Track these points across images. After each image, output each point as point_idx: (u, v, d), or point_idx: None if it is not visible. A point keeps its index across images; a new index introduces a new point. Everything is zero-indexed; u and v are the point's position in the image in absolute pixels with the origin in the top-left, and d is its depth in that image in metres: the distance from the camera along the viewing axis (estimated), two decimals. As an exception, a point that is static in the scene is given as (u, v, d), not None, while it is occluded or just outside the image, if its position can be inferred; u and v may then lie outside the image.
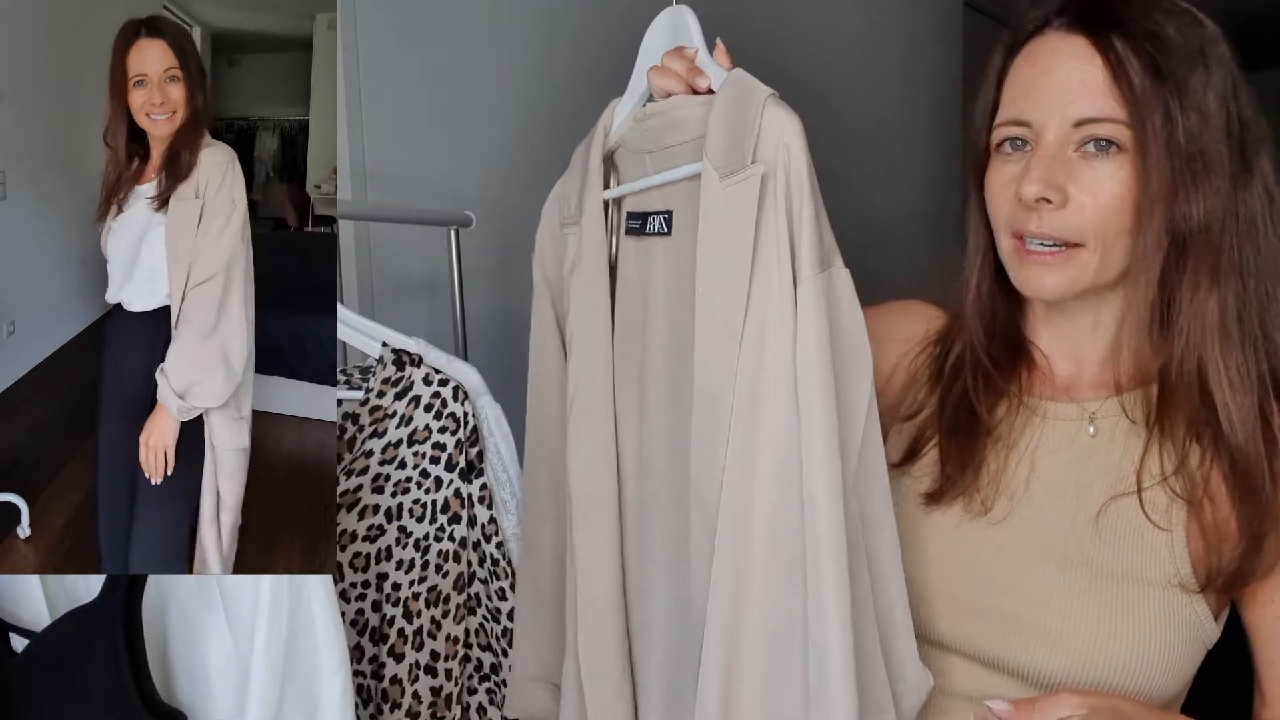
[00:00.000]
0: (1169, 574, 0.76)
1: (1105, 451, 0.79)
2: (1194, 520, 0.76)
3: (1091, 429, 0.80)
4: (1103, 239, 0.75)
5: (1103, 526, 0.78)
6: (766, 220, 0.72)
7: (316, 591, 0.76)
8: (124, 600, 0.69)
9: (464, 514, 1.05)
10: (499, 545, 1.05)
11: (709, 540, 0.77)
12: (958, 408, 0.84)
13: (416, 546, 1.04)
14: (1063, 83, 0.74)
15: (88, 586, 0.81)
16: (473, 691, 1.10)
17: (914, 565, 0.82)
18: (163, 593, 0.78)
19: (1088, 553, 0.78)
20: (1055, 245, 0.76)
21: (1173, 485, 0.76)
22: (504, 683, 1.10)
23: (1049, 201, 0.74)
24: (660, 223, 0.85)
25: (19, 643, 0.79)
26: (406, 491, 1.04)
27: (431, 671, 1.05)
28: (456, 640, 1.07)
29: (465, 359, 1.51)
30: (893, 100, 2.91)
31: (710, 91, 0.79)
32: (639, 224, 0.88)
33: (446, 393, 1.05)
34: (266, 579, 0.73)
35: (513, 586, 1.06)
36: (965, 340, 0.85)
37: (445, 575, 1.06)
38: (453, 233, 1.49)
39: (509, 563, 1.06)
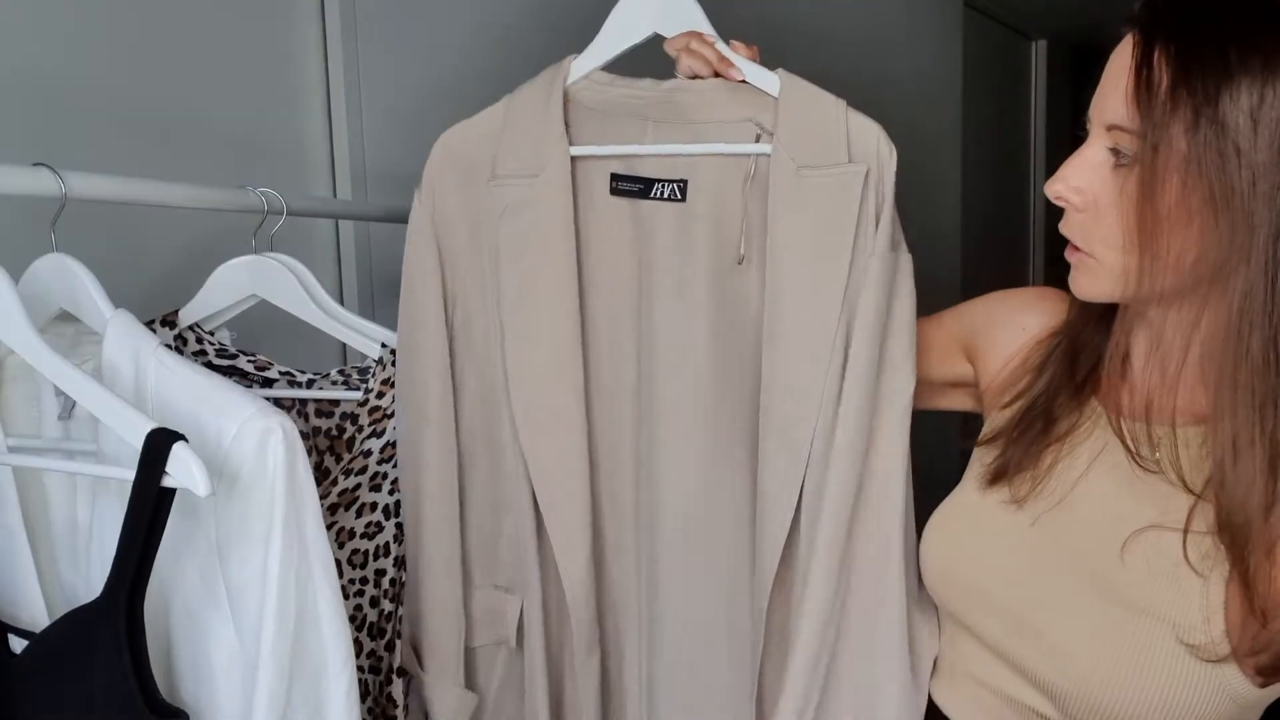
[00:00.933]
0: (1195, 621, 0.71)
1: (1163, 480, 0.74)
2: (1236, 583, 0.70)
3: (1157, 455, 0.75)
4: (1109, 254, 0.71)
5: (1135, 555, 0.74)
6: (865, 211, 0.87)
7: (322, 588, 0.76)
8: (126, 599, 0.69)
9: None
10: None
11: (782, 515, 0.89)
12: (1035, 401, 0.83)
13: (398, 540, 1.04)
14: (1109, 83, 0.70)
15: (88, 588, 0.81)
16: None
17: (965, 539, 0.86)
18: (165, 591, 0.78)
19: (1116, 577, 0.75)
20: (1081, 251, 0.75)
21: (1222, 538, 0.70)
22: None
23: (1069, 202, 0.73)
24: (674, 189, 0.91)
25: (18, 644, 0.79)
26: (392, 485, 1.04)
27: None
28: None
29: (465, 359, 1.52)
30: (893, 100, 2.91)
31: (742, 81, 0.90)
32: (638, 188, 0.92)
33: None
34: (274, 575, 0.73)
35: None
36: (1067, 340, 0.84)
37: None
38: (453, 233, 1.49)
39: None
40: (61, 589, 0.85)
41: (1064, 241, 0.78)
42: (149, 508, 0.69)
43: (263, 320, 1.06)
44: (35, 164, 0.81)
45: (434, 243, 0.95)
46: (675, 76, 0.94)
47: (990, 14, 3.86)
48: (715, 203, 0.92)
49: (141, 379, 0.78)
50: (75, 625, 0.72)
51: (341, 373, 1.09)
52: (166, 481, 0.69)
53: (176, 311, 1.03)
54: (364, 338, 1.08)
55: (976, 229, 3.41)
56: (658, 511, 0.97)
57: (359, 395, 1.04)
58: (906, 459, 0.90)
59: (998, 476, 0.83)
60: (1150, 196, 0.66)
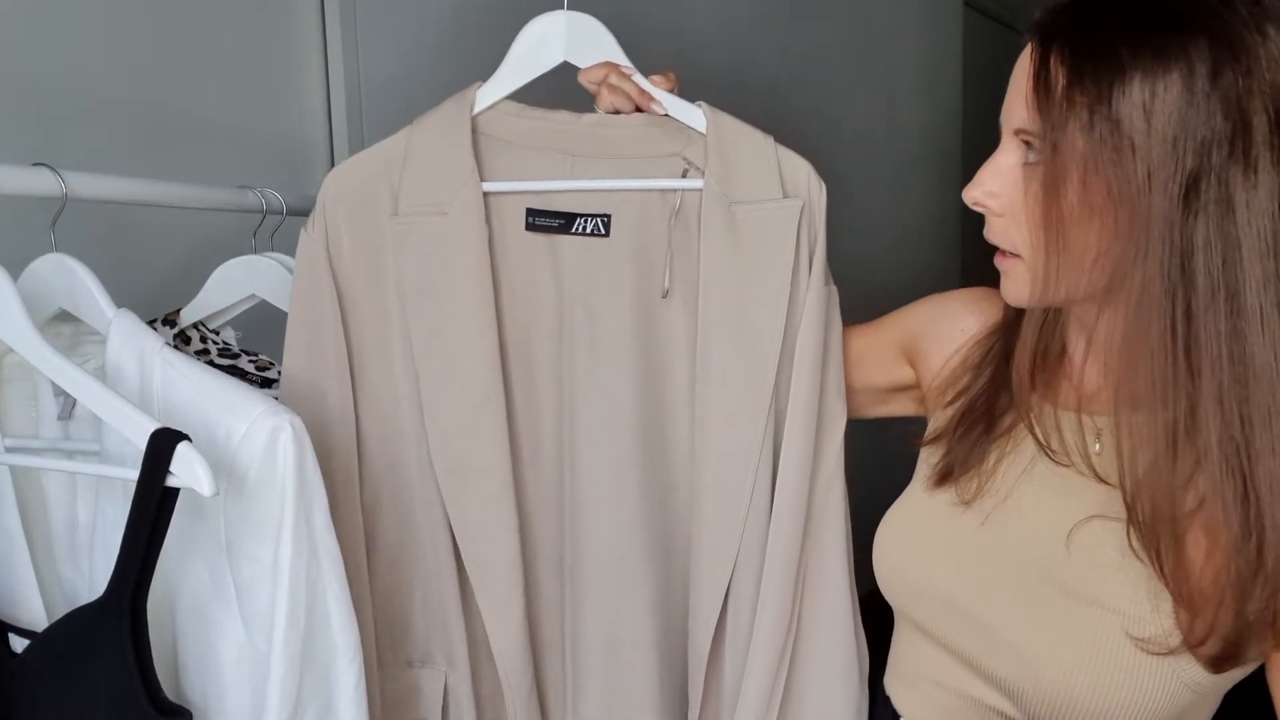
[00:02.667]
0: (1144, 611, 0.71)
1: (1105, 472, 0.74)
2: (1183, 568, 0.70)
3: (1097, 446, 0.76)
4: (1029, 254, 0.72)
5: (1080, 546, 0.74)
6: (802, 246, 0.88)
7: (331, 584, 0.76)
8: (130, 598, 0.69)
9: None
10: None
11: (726, 539, 0.89)
12: (977, 399, 0.84)
13: None
14: (1011, 88, 0.72)
15: (90, 588, 0.81)
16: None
17: (915, 540, 0.85)
18: (172, 589, 0.78)
19: (1063, 570, 0.75)
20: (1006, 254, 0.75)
21: None
22: None
23: (986, 207, 0.74)
24: (598, 224, 0.89)
25: (18, 643, 0.79)
26: None
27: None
28: None
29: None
30: (893, 100, 2.92)
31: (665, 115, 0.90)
32: (558, 223, 0.89)
33: None
34: (285, 572, 0.73)
35: None
36: (1004, 338, 0.84)
37: None
38: (453, 233, 1.49)
39: None
40: (61, 588, 0.85)
41: None
42: (153, 507, 0.69)
43: (266, 320, 1.06)
44: (35, 164, 0.81)
45: (331, 279, 0.88)
46: (595, 110, 0.93)
47: (990, 14, 3.86)
48: (640, 238, 0.90)
49: (147, 378, 0.78)
50: (78, 624, 0.72)
51: None
52: (170, 481, 0.69)
53: (178, 311, 1.03)
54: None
55: (976, 225, 3.41)
56: (585, 559, 0.94)
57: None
58: (844, 485, 0.92)
59: (944, 477, 0.83)
60: (1054, 195, 0.67)
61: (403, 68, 1.70)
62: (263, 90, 1.50)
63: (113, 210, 0.91)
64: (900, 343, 0.95)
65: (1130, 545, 0.71)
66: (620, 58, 0.91)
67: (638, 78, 0.89)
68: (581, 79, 0.92)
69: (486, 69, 1.78)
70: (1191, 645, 0.69)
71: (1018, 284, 0.74)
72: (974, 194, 0.74)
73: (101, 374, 0.79)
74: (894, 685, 0.91)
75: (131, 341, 0.79)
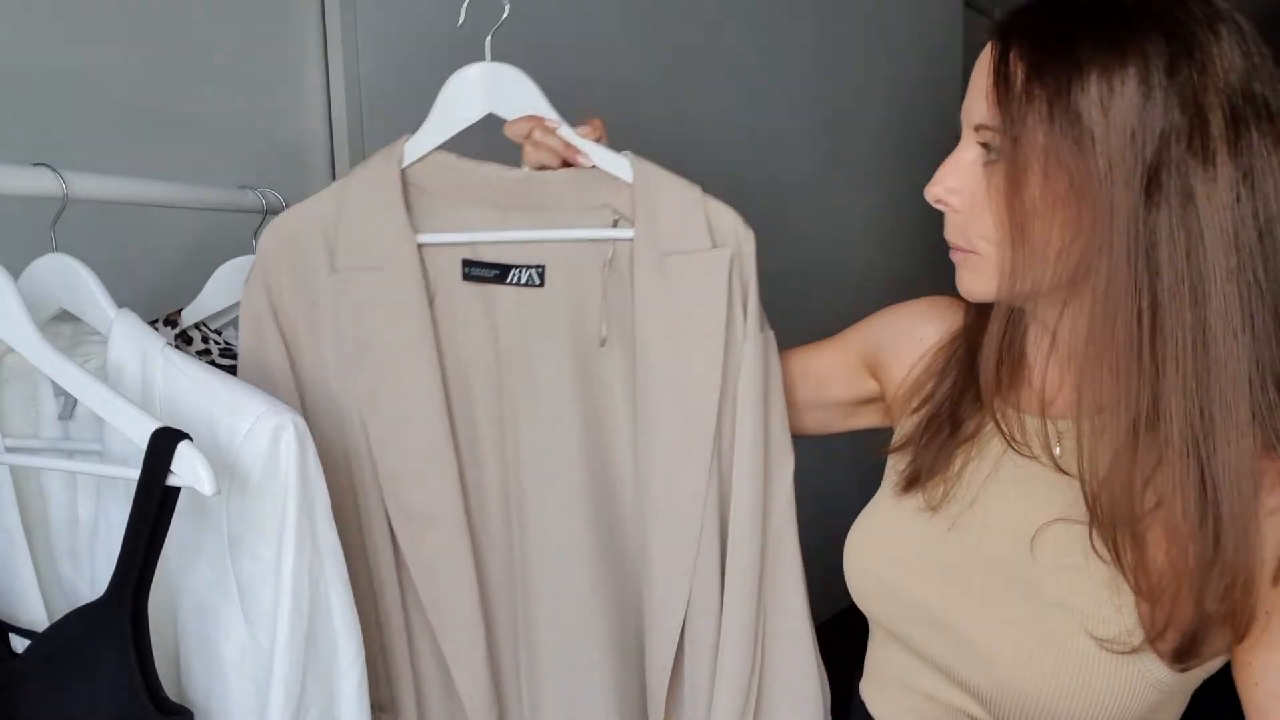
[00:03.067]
0: (1107, 612, 0.72)
1: (1063, 475, 0.75)
2: (1144, 565, 0.70)
3: (1059, 449, 0.76)
4: (989, 249, 0.72)
5: (1044, 549, 0.75)
6: (734, 295, 0.88)
7: (334, 583, 0.77)
8: (131, 598, 0.69)
9: None
10: None
11: (680, 578, 0.89)
12: (942, 405, 0.84)
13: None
14: (972, 86, 0.72)
15: (92, 586, 0.81)
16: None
17: (884, 547, 0.86)
18: (175, 588, 0.78)
19: (1028, 573, 0.76)
20: (964, 250, 0.76)
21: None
22: None
23: (948, 204, 0.75)
24: (532, 275, 0.91)
25: (19, 643, 0.79)
26: None
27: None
28: None
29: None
30: (893, 100, 2.92)
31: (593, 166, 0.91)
32: (494, 274, 0.91)
33: None
34: (288, 570, 0.73)
35: None
36: (966, 343, 0.85)
37: None
38: (453, 233, 1.49)
39: None
40: (61, 588, 0.85)
41: None
42: (154, 507, 0.69)
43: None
44: (35, 164, 0.81)
45: (277, 331, 0.88)
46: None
47: (990, 14, 3.86)
48: (575, 287, 0.91)
49: (149, 378, 0.78)
50: (79, 624, 0.72)
51: None
52: (171, 481, 0.69)
53: (179, 311, 1.03)
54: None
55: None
56: (536, 606, 0.94)
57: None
58: (795, 525, 0.92)
59: (911, 483, 0.84)
60: (1016, 189, 0.68)
61: (403, 68, 1.70)
62: (263, 90, 1.50)
63: (113, 210, 0.91)
64: (861, 355, 0.95)
65: (1093, 546, 0.71)
66: (545, 109, 0.92)
67: (564, 130, 0.90)
68: (506, 131, 0.93)
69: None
70: (1152, 640, 0.70)
71: (980, 279, 0.74)
72: (935, 191, 0.75)
73: (102, 374, 0.79)
74: (869, 691, 0.91)
75: (133, 341, 0.79)
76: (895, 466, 0.87)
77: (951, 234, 0.75)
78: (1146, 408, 0.67)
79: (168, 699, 0.70)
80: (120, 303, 0.82)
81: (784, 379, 0.95)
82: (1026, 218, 0.68)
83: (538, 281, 0.91)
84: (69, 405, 0.85)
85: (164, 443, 0.69)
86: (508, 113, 0.93)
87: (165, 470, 0.69)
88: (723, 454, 0.89)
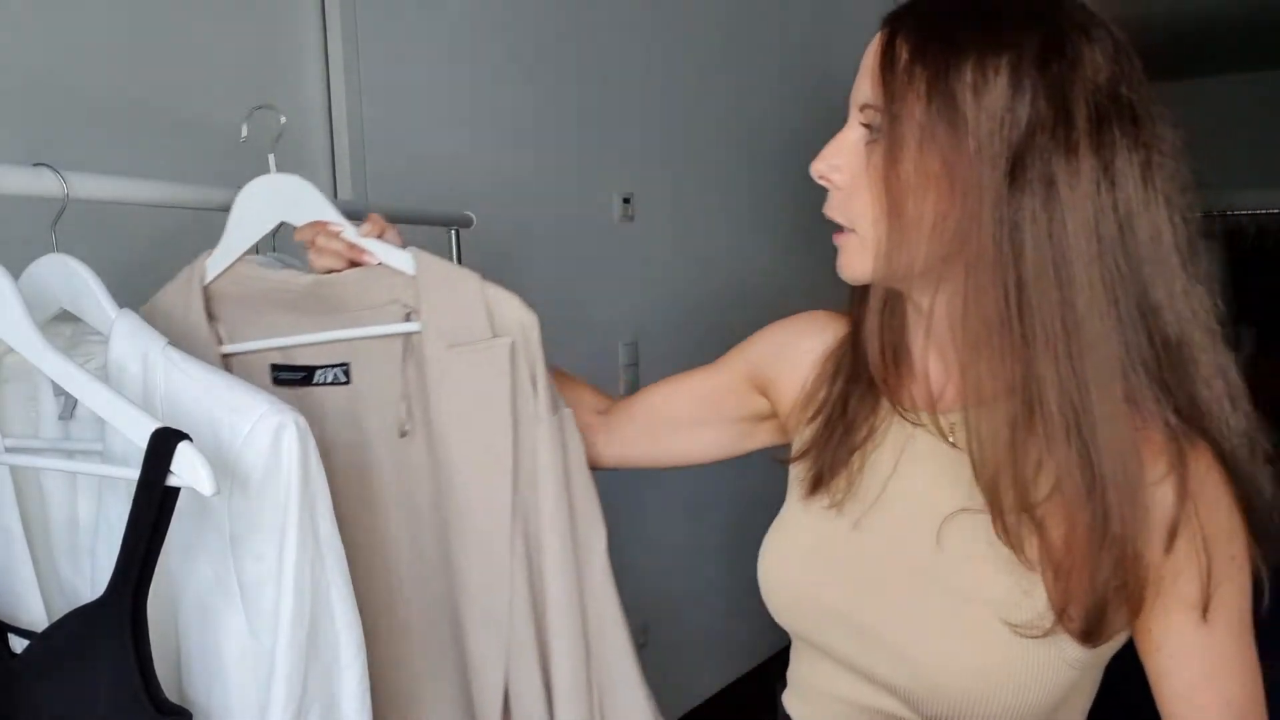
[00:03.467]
0: (1016, 597, 0.73)
1: (961, 464, 0.75)
2: (1045, 547, 0.72)
3: (952, 440, 0.77)
4: (866, 227, 0.74)
5: (950, 541, 0.76)
6: (520, 381, 0.89)
7: (335, 581, 0.77)
8: (130, 598, 0.69)
9: None
10: None
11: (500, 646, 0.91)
12: (835, 409, 0.85)
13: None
14: (861, 71, 0.75)
15: (92, 586, 0.81)
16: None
17: (793, 555, 0.86)
18: (175, 587, 0.78)
19: (937, 567, 0.77)
20: (844, 229, 0.77)
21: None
22: None
23: (830, 181, 0.76)
24: (337, 373, 0.94)
25: (18, 643, 0.79)
26: None
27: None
28: None
29: (465, 359, 1.52)
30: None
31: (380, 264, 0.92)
32: (300, 375, 0.94)
33: None
34: (290, 569, 0.74)
35: None
36: (852, 344, 0.86)
37: None
38: (453, 233, 1.49)
39: None
40: (60, 588, 0.85)
41: None
42: (153, 507, 0.69)
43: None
44: (36, 164, 0.81)
45: None
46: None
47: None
48: (378, 382, 0.94)
49: (150, 378, 0.78)
50: (79, 624, 0.72)
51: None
52: (171, 481, 0.69)
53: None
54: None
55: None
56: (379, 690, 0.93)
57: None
58: (617, 600, 0.93)
59: (815, 486, 0.85)
60: (893, 164, 0.70)
61: (402, 69, 1.70)
62: (263, 90, 1.50)
63: (112, 210, 0.91)
64: (748, 375, 0.96)
65: (996, 534, 0.73)
66: (330, 213, 0.93)
67: (348, 231, 0.91)
68: (296, 237, 0.94)
69: (485, 71, 1.77)
70: (1061, 621, 0.71)
71: (857, 258, 0.76)
72: (819, 168, 0.76)
73: (103, 374, 0.79)
74: (792, 703, 0.91)
75: (134, 341, 0.79)
76: (798, 475, 0.88)
77: (831, 210, 0.77)
78: (1021, 388, 0.69)
79: (167, 699, 0.70)
80: (120, 302, 0.82)
81: (680, 400, 0.98)
82: (902, 194, 0.70)
83: (344, 379, 0.94)
84: (69, 405, 0.85)
85: (163, 443, 0.69)
86: (296, 219, 0.94)
87: (165, 470, 0.69)
88: (529, 535, 0.91)
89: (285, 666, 0.73)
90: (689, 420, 0.99)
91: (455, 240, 1.49)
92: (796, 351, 0.92)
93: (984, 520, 0.73)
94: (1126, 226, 0.69)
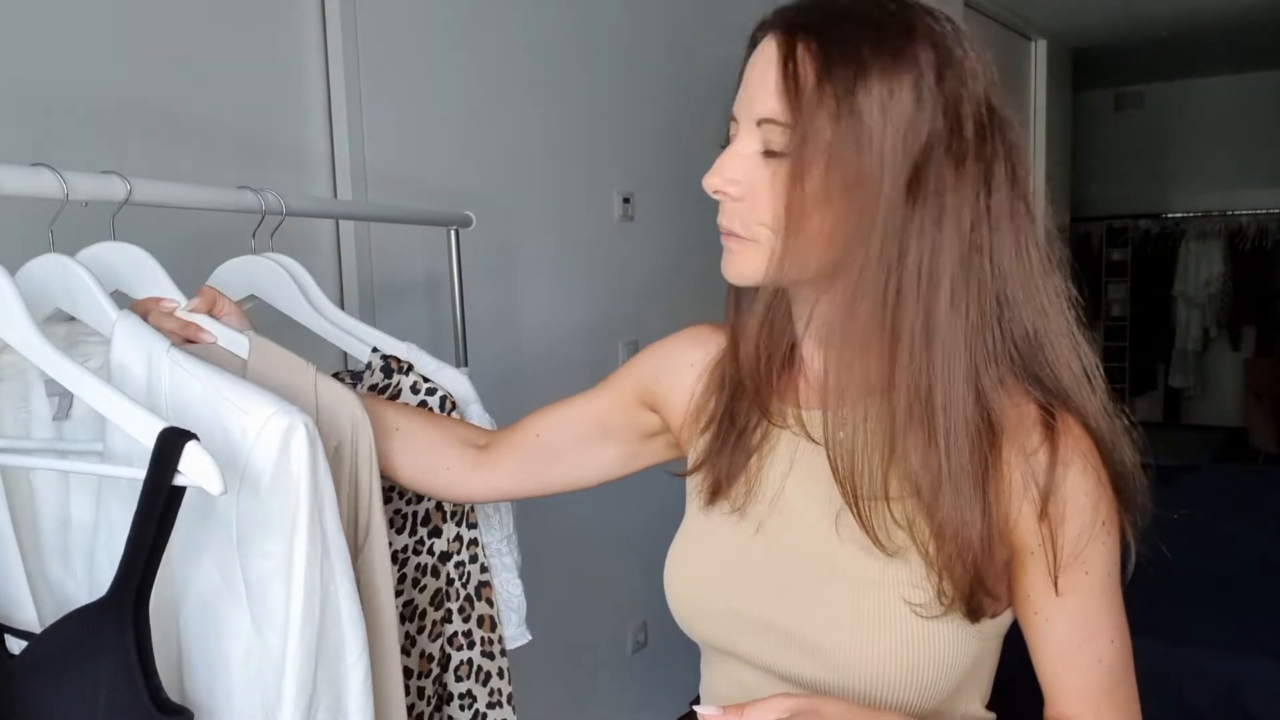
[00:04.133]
0: (917, 576, 0.76)
1: (847, 456, 0.77)
2: (914, 536, 0.75)
3: (841, 435, 0.78)
4: (766, 238, 0.75)
5: (849, 533, 0.78)
6: (341, 477, 0.84)
7: (341, 580, 0.77)
8: (134, 598, 0.69)
9: (444, 527, 1.03)
10: (457, 565, 1.04)
11: None
12: (724, 417, 0.86)
13: (394, 559, 0.99)
14: (755, 82, 0.75)
15: (90, 588, 0.81)
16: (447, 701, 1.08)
17: (698, 564, 0.87)
18: (177, 588, 0.78)
19: (839, 559, 0.79)
20: (739, 237, 0.78)
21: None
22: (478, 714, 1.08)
23: (726, 194, 0.77)
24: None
25: (14, 644, 0.79)
26: (388, 501, 1.00)
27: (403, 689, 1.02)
28: (431, 658, 1.03)
29: (465, 359, 1.52)
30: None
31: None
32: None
33: (434, 402, 1.02)
34: (301, 569, 0.74)
35: (460, 610, 1.05)
36: (732, 349, 0.87)
37: (422, 590, 1.03)
38: (453, 233, 1.49)
39: (464, 583, 1.04)
40: (50, 589, 0.84)
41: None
42: (159, 506, 0.69)
43: (269, 321, 1.06)
44: (35, 164, 0.81)
45: None
46: None
47: (990, 14, 3.86)
48: None
49: (155, 378, 0.78)
50: (80, 623, 0.72)
51: (336, 376, 1.08)
52: (179, 480, 0.69)
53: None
54: (356, 341, 1.06)
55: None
56: None
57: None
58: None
59: (714, 494, 0.86)
60: (800, 181, 0.71)
61: (402, 69, 1.71)
62: (263, 90, 1.50)
63: (111, 210, 0.91)
64: (636, 393, 0.97)
65: (893, 521, 0.76)
66: (169, 288, 0.91)
67: (180, 311, 0.89)
68: (131, 309, 0.92)
69: (485, 70, 1.77)
70: (948, 606, 0.75)
71: (749, 263, 0.77)
72: (714, 182, 0.77)
73: (103, 374, 0.79)
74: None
75: (137, 342, 0.79)
76: (695, 486, 0.89)
77: (727, 220, 0.78)
78: (889, 389, 0.73)
79: (168, 699, 0.70)
80: (119, 303, 0.82)
81: (566, 426, 0.96)
82: (804, 208, 0.72)
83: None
84: (64, 406, 0.85)
85: (171, 442, 0.69)
86: (136, 291, 0.92)
87: (172, 470, 0.69)
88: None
89: (296, 664, 0.74)
90: (574, 444, 0.98)
91: (455, 240, 1.49)
92: (681, 365, 0.93)
93: (880, 508, 0.76)
94: (995, 229, 0.73)
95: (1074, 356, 0.76)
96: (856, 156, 0.70)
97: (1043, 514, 0.74)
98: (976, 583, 0.74)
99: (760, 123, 0.74)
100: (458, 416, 1.03)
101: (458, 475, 0.97)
